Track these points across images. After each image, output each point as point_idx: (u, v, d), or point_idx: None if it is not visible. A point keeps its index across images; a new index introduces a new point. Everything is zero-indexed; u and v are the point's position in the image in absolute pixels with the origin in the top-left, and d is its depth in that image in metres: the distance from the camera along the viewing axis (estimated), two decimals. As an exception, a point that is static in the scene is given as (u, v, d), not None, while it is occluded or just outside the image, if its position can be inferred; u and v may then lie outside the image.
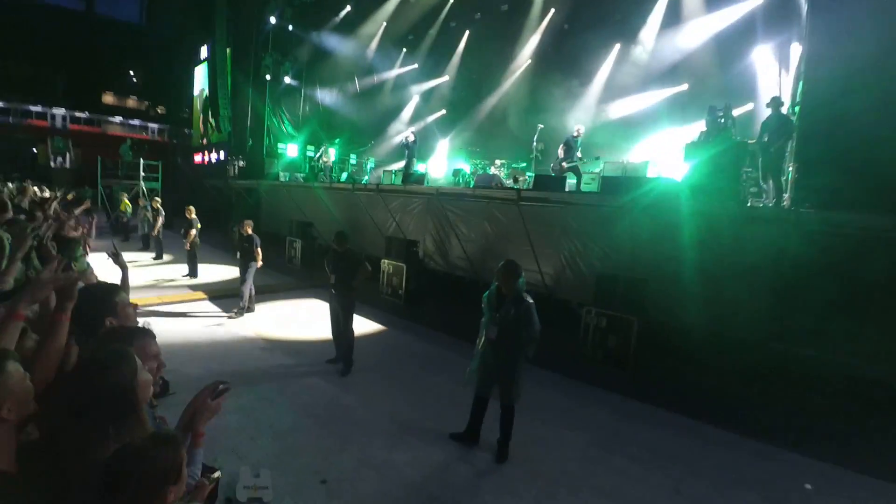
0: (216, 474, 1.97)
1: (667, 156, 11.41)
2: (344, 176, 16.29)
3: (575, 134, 10.74)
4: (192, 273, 10.70)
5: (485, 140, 17.51)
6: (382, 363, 6.36)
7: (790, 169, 7.36)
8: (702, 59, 12.57)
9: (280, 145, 18.27)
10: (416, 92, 19.91)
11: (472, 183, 12.18)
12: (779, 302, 5.86)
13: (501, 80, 17.52)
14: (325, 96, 19.12)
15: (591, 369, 6.42)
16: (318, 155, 17.18)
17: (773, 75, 11.21)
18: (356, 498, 3.55)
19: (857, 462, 4.43)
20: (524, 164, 13.70)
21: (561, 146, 10.80)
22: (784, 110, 8.09)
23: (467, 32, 18.08)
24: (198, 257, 10.83)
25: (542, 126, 12.38)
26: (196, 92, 24.88)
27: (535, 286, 7.65)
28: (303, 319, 8.03)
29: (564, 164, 10.54)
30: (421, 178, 11.80)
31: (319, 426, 4.55)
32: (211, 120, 22.33)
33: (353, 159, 18.10)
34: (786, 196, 7.19)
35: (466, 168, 14.94)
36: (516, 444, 4.24)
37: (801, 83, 7.88)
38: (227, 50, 19.93)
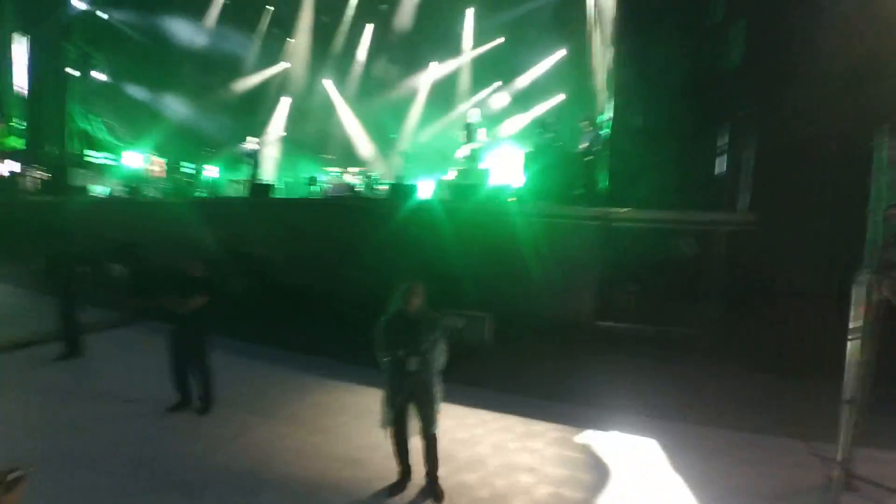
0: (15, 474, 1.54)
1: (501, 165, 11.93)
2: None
3: (470, 119, 11.51)
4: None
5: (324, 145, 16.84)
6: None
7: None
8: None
9: (98, 154, 15.40)
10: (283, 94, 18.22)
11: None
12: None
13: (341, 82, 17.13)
14: (169, 99, 16.71)
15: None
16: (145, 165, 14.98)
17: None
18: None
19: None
20: (375, 175, 13.70)
21: (462, 133, 11.57)
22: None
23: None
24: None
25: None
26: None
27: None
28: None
29: (468, 147, 11.24)
30: (267, 189, 11.18)
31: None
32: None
33: (188, 168, 16.00)
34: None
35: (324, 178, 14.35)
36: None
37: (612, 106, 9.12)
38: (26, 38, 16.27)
